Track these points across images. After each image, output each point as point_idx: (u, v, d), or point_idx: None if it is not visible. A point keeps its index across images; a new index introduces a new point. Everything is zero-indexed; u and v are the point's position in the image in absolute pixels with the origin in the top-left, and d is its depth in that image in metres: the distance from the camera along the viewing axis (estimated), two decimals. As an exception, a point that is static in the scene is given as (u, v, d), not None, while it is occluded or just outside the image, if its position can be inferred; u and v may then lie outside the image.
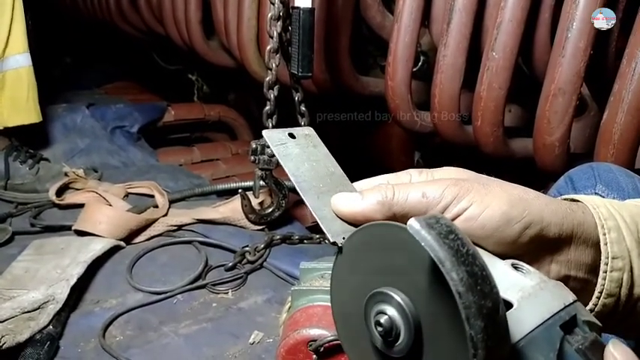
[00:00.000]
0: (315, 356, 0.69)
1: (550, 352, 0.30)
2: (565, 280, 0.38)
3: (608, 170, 0.76)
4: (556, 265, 0.38)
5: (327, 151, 0.42)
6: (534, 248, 0.37)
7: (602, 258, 0.39)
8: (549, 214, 0.37)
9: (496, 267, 0.34)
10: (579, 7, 0.91)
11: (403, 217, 0.36)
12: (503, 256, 0.36)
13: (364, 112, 1.55)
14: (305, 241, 1.24)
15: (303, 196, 0.37)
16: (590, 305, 0.40)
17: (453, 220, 0.36)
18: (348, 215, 0.37)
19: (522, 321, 0.30)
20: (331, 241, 0.36)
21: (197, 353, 0.89)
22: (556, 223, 0.37)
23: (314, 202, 0.37)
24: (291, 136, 0.41)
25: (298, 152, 0.40)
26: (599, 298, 0.39)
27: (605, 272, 0.39)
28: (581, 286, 0.40)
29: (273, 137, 0.40)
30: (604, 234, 0.39)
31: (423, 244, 0.27)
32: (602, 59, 1.06)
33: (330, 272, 0.37)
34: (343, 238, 0.35)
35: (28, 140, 1.56)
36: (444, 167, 0.40)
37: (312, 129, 0.43)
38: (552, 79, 0.97)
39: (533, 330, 0.30)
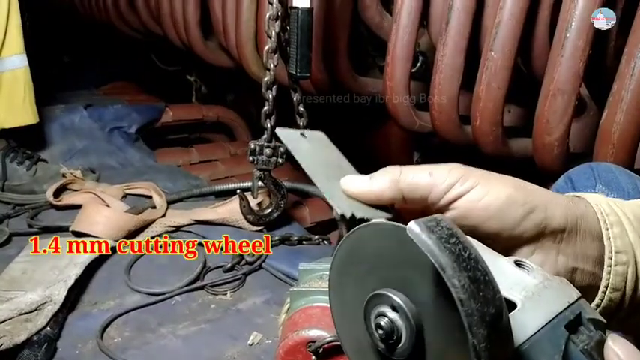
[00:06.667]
0: (314, 357, 0.69)
1: (555, 354, 0.30)
2: (572, 272, 0.39)
3: (607, 170, 0.76)
4: (563, 256, 0.39)
5: (339, 150, 0.43)
6: (540, 237, 0.37)
7: (606, 252, 0.39)
8: (553, 203, 0.38)
9: (498, 265, 0.34)
10: (578, 6, 0.91)
11: (410, 194, 0.37)
12: (507, 244, 0.36)
13: (363, 112, 1.55)
14: (304, 242, 1.23)
15: (312, 178, 0.38)
16: (597, 300, 0.40)
17: (457, 199, 0.36)
18: (357, 193, 0.38)
19: (526, 322, 0.30)
20: (339, 214, 0.35)
21: (195, 354, 0.89)
22: (560, 213, 0.38)
23: (323, 183, 0.38)
24: (303, 136, 0.42)
25: (310, 149, 0.41)
26: (604, 292, 0.40)
27: (610, 266, 0.39)
28: (589, 279, 0.40)
29: (287, 135, 0.41)
30: (606, 229, 0.39)
31: (423, 248, 0.27)
32: (601, 59, 1.05)
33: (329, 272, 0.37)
34: (352, 214, 0.35)
35: (26, 141, 1.55)
36: (449, 163, 0.41)
37: (323, 133, 0.44)
38: (551, 79, 0.96)
39: (537, 332, 0.30)
